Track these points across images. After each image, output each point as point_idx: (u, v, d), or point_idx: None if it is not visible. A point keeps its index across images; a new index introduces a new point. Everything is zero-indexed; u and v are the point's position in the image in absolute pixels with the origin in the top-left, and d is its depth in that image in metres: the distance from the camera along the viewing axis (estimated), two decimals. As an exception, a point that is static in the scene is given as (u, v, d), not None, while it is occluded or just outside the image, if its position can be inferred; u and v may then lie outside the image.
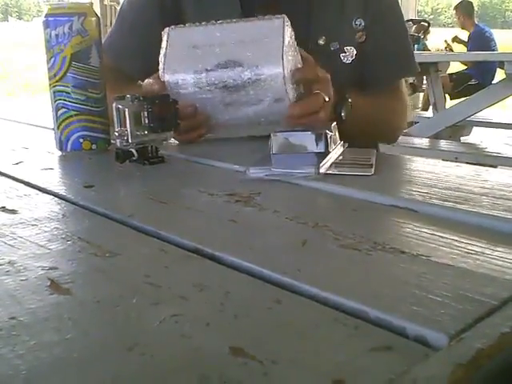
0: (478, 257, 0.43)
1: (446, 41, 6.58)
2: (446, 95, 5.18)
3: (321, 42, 1.02)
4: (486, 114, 4.45)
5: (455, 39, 6.50)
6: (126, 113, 0.74)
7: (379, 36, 1.12)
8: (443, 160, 0.79)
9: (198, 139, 0.92)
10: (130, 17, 1.18)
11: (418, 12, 10.11)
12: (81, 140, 0.85)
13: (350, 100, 0.96)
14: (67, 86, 0.84)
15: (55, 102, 0.85)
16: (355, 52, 1.10)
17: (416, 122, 4.30)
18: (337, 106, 0.93)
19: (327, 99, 0.87)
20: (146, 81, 0.92)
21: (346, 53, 1.09)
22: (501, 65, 4.40)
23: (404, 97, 1.20)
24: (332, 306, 0.36)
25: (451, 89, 5.57)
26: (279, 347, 0.32)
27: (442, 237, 0.47)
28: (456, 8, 6.46)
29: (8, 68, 13.75)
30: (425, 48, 6.23)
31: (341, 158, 0.75)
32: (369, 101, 1.04)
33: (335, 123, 0.76)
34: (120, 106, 0.75)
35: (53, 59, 0.84)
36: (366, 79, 1.11)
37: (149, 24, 1.14)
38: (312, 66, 0.89)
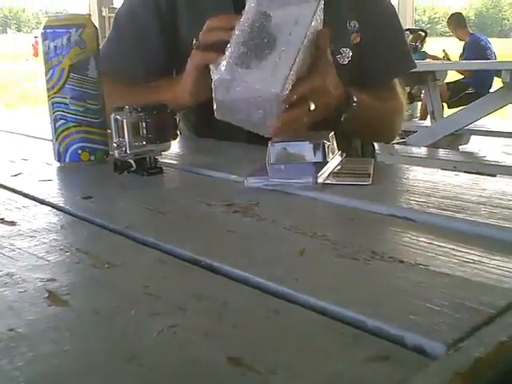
0: (475, 266, 0.43)
1: (443, 50, 6.62)
2: (444, 104, 5.20)
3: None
4: (485, 123, 4.46)
5: (444, 52, 6.55)
6: (125, 124, 0.74)
7: (374, 36, 1.14)
8: (442, 169, 0.80)
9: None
10: (126, 24, 1.18)
11: (415, 21, 10.16)
12: (79, 151, 0.85)
13: (354, 103, 0.96)
14: (65, 98, 0.84)
15: (53, 113, 0.85)
16: (351, 53, 1.11)
17: (414, 131, 4.31)
18: (338, 108, 0.94)
19: (312, 108, 0.86)
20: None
21: (341, 54, 1.10)
22: (498, 73, 4.42)
23: (401, 96, 1.22)
24: (330, 316, 0.36)
25: (449, 98, 5.59)
26: (277, 357, 0.32)
27: (439, 246, 0.48)
28: (448, 22, 6.52)
29: (7, 79, 13.78)
30: (426, 56, 6.25)
31: (339, 167, 0.75)
32: (372, 100, 1.05)
33: (333, 133, 0.76)
34: (118, 117, 0.75)
35: (51, 71, 0.84)
36: (363, 79, 1.12)
37: (145, 29, 1.15)
38: (318, 76, 0.88)
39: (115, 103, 0.81)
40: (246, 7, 0.83)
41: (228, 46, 0.81)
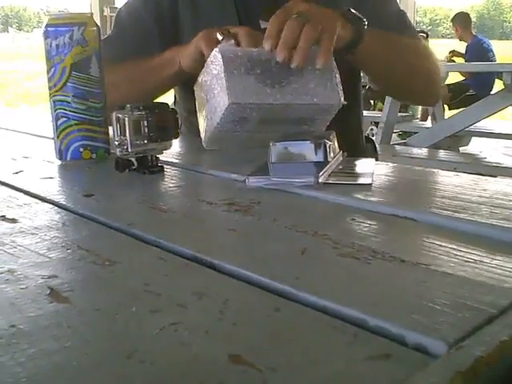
0: (476, 265, 0.43)
1: (447, 57, 6.60)
2: (445, 106, 5.20)
3: None
4: (485, 125, 4.46)
5: (453, 53, 6.51)
6: (126, 122, 0.74)
7: (376, 16, 1.12)
8: (442, 170, 0.80)
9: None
10: (127, 26, 1.19)
11: (416, 23, 10.17)
12: (81, 149, 0.85)
13: (365, 24, 0.95)
14: (67, 96, 0.84)
15: (55, 111, 0.85)
16: None
17: (415, 133, 4.31)
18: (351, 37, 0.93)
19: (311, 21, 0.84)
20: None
21: None
22: (499, 75, 4.42)
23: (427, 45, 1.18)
24: (331, 314, 0.36)
25: (449, 99, 5.59)
26: (278, 355, 0.32)
27: (440, 245, 0.48)
28: (453, 20, 6.49)
29: (8, 78, 13.78)
30: None
31: (340, 167, 0.75)
32: (387, 33, 1.04)
33: (334, 132, 0.76)
34: (120, 116, 0.75)
35: (53, 69, 0.84)
36: None
37: (146, 32, 1.15)
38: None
39: (117, 74, 0.82)
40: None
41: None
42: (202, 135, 0.87)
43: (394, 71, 1.12)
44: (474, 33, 6.34)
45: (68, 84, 0.84)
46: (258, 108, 0.80)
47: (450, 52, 6.53)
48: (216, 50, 0.83)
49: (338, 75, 0.83)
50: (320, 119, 0.84)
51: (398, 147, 3.79)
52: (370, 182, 0.69)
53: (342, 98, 0.82)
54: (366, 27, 0.95)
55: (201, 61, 0.93)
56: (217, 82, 0.81)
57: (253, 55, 0.82)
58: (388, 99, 3.81)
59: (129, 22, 1.19)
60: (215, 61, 0.83)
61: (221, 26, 0.97)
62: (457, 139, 4.40)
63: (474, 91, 5.53)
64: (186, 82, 1.19)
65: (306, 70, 0.82)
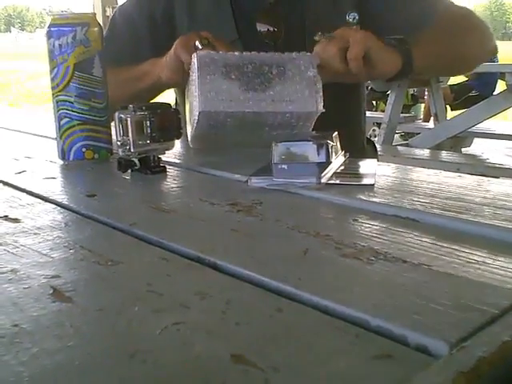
0: (479, 266, 0.43)
1: None
2: (447, 106, 5.19)
3: (316, 38, 1.02)
4: (488, 125, 4.45)
5: None
6: (129, 122, 0.75)
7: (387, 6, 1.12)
8: (445, 170, 0.79)
9: None
10: (121, 27, 1.19)
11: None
12: (83, 149, 0.85)
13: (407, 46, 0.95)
14: (70, 96, 0.84)
15: (58, 111, 0.85)
16: None
17: (417, 133, 4.30)
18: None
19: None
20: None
21: None
22: (502, 76, 4.41)
23: (456, 9, 1.15)
24: (333, 315, 0.36)
25: (452, 100, 5.58)
26: (280, 355, 0.32)
27: (443, 246, 0.48)
28: None
29: (10, 78, 13.80)
30: None
31: (342, 167, 0.75)
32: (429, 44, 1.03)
33: (336, 133, 0.76)
34: (123, 116, 0.75)
35: (56, 69, 0.84)
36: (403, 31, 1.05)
37: (139, 36, 1.15)
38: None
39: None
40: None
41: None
42: (188, 135, 0.88)
43: (447, 63, 1.12)
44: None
45: (71, 84, 0.84)
46: (230, 115, 0.80)
47: None
48: (194, 55, 0.83)
49: (319, 84, 0.82)
50: (300, 125, 0.83)
51: (400, 148, 3.78)
52: (372, 182, 0.69)
53: (321, 106, 0.81)
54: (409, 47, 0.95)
55: (180, 70, 0.93)
56: (194, 87, 0.82)
57: (230, 60, 0.82)
58: (390, 100, 3.81)
59: (122, 27, 1.20)
60: (193, 66, 0.83)
61: (218, 30, 0.97)
62: (459, 140, 4.39)
63: (477, 92, 5.52)
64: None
65: (285, 75, 0.81)
